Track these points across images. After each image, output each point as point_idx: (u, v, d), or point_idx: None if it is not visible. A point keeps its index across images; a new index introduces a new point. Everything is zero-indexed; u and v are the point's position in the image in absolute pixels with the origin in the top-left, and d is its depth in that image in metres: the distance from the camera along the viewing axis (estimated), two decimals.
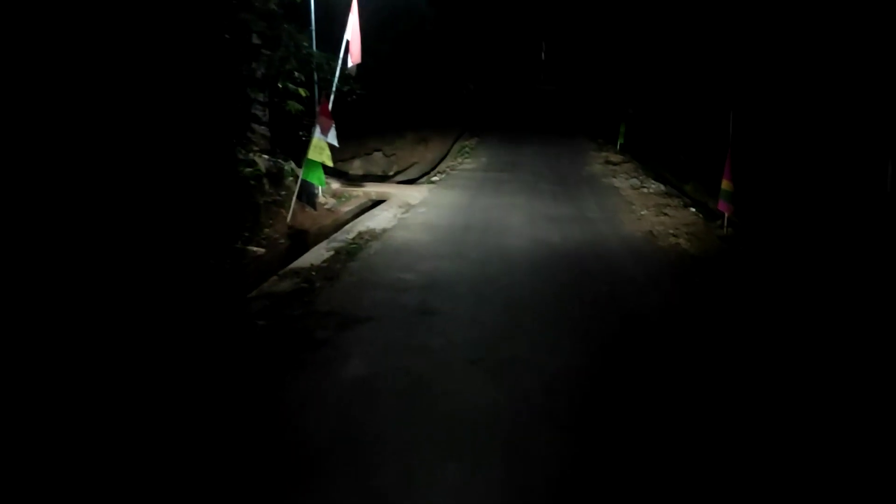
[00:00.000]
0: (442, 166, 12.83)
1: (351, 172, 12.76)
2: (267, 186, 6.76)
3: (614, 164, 13.02)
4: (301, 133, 6.99)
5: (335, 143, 7.06)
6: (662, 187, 10.54)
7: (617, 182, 10.92)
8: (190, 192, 4.14)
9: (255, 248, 5.74)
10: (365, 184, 9.93)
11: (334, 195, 8.94)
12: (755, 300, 5.17)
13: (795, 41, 11.44)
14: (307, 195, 6.79)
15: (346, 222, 7.57)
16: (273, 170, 6.93)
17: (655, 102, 15.10)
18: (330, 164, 7.07)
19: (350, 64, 8.30)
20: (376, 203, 8.87)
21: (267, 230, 6.29)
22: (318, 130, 6.83)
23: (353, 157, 13.54)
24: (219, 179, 4.46)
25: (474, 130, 17.32)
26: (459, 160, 13.35)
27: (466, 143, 15.52)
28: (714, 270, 6.12)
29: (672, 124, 13.78)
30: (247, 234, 5.68)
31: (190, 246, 4.21)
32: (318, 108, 6.80)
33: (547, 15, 30.31)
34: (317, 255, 5.86)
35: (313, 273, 5.22)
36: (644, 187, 10.42)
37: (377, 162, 13.51)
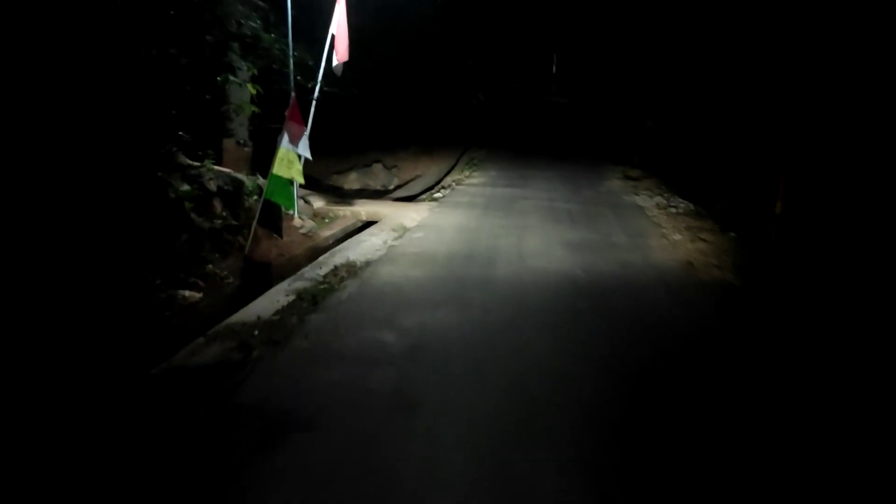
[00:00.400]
0: (447, 180, 11.53)
1: (346, 187, 11.49)
2: (219, 209, 5.45)
3: (634, 179, 11.65)
4: (240, 141, 5.70)
5: (307, 154, 5.76)
6: (692, 206, 9.15)
7: (640, 200, 9.54)
8: (68, 221, 2.86)
9: (186, 293, 4.42)
10: (357, 201, 8.63)
11: (316, 216, 7.63)
12: (842, 360, 3.76)
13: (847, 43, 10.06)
14: (272, 219, 5.52)
15: (324, 252, 6.25)
16: (228, 187, 5.64)
17: (676, 114, 13.72)
18: (301, 180, 5.78)
19: (336, 62, 7.05)
20: (366, 225, 7.55)
21: (211, 266, 4.97)
22: (285, 139, 5.54)
23: (350, 169, 12.28)
24: (128, 202, 3.23)
25: (483, 142, 16.07)
26: (466, 173, 12.06)
27: (475, 155, 14.26)
28: (778, 315, 4.72)
29: (696, 137, 12.39)
30: (176, 274, 4.36)
31: (68, 299, 2.91)
32: (287, 112, 5.52)
33: (558, 25, 29.16)
34: (271, 300, 4.53)
35: (256, 333, 3.88)
36: (672, 206, 9.02)
37: (376, 175, 12.23)
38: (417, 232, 6.96)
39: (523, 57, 29.67)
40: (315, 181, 10.88)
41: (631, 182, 11.05)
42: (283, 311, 4.33)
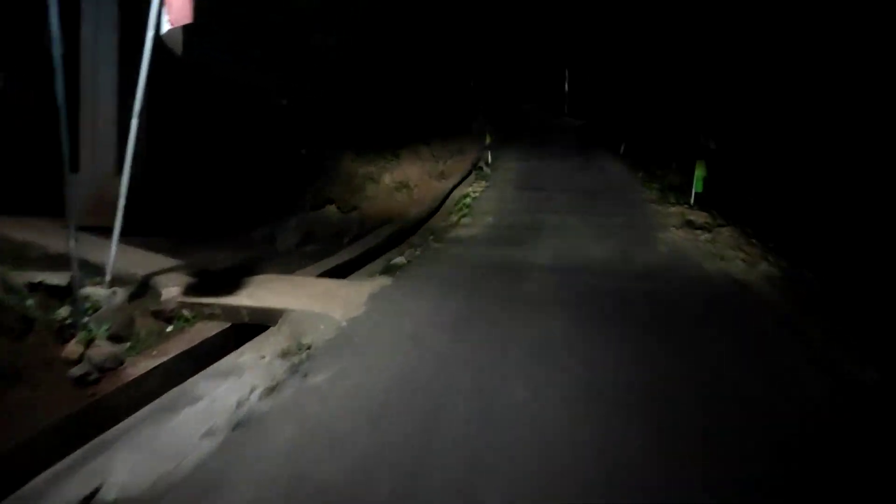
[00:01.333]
0: (424, 231, 8.06)
1: (279, 241, 7.99)
2: None
3: (700, 227, 8.04)
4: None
5: None
6: (830, 283, 5.51)
7: (734, 269, 5.91)
8: None
9: None
10: (260, 277, 5.10)
11: (157, 318, 4.09)
12: None
13: None
14: None
15: (86, 438, 2.70)
16: None
17: (753, 130, 10.19)
18: None
19: (167, 26, 3.65)
20: (243, 336, 4.02)
21: None
22: None
23: (294, 213, 8.82)
24: None
25: (481, 175, 12.70)
26: (454, 219, 8.60)
27: (468, 191, 10.81)
28: None
29: (794, 163, 8.86)
30: None
31: None
32: None
33: (570, 40, 26.11)
34: None
35: None
36: (799, 286, 5.37)
37: (327, 220, 8.79)
38: (323, 369, 3.36)
39: (532, 75, 26.63)
40: (222, 231, 7.46)
41: (700, 233, 7.46)
42: None
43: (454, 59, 21.42)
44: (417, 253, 6.38)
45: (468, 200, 10.01)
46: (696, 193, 9.68)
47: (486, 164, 14.00)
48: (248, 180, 8.29)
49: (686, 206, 9.55)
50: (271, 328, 4.06)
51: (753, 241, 7.07)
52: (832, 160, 8.91)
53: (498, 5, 26.45)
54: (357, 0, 9.68)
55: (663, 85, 16.95)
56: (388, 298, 4.62)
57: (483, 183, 11.86)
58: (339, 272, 5.71)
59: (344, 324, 4.00)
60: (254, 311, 4.18)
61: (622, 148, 16.64)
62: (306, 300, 4.39)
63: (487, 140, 15.08)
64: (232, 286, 4.57)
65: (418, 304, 4.51)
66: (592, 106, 23.53)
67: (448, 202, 10.19)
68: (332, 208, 9.03)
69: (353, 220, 8.91)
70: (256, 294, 4.46)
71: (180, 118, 7.09)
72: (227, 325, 4.13)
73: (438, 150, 14.80)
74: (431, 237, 7.24)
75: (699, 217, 8.64)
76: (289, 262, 6.65)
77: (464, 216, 8.72)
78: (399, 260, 6.02)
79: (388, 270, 5.55)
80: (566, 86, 25.63)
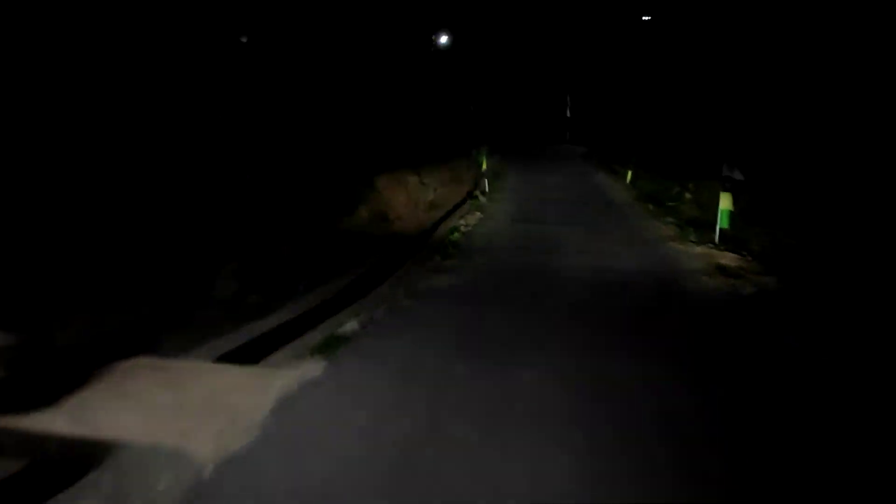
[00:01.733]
0: (396, 278, 6.49)
1: (217, 288, 6.41)
2: None
3: (735, 275, 6.45)
4: None
5: None
6: None
7: (794, 341, 4.30)
8: None
9: None
10: (118, 367, 3.50)
11: None
12: None
13: None
14: None
15: None
16: None
17: (785, 157, 8.72)
18: None
19: None
20: (48, 490, 2.41)
21: None
22: None
23: (243, 252, 7.28)
24: None
25: (475, 205, 11.29)
26: (437, 260, 7.06)
27: (459, 224, 9.35)
28: None
29: (842, 194, 7.36)
30: None
31: None
32: None
33: (571, 66, 25.07)
34: None
35: None
36: None
37: (282, 260, 7.24)
38: None
39: (533, 100, 25.51)
40: (150, 276, 5.88)
41: (738, 283, 5.85)
42: None
43: (453, 82, 20.22)
44: (379, 314, 4.78)
45: (457, 236, 8.50)
46: (720, 230, 8.16)
47: (483, 192, 12.67)
48: (190, 210, 6.84)
49: (711, 245, 8.01)
50: (91, 475, 2.44)
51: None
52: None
53: (499, 31, 25.49)
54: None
55: (672, 110, 15.59)
56: (305, 407, 3.01)
57: (477, 214, 10.46)
58: (261, 347, 4.11)
59: (206, 474, 2.38)
60: (67, 442, 2.55)
61: (629, 176, 15.29)
62: (166, 417, 2.77)
63: (484, 167, 13.77)
64: (59, 387, 2.95)
65: (353, 418, 2.90)
66: (595, 133, 22.29)
67: (434, 237, 8.69)
68: (288, 247, 7.47)
69: (314, 262, 7.35)
70: (89, 406, 2.83)
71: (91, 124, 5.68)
72: (21, 465, 2.51)
73: (430, 176, 13.45)
74: (402, 289, 5.65)
75: (731, 261, 7.09)
76: (212, 323, 5.06)
77: (449, 257, 7.17)
78: (349, 326, 4.42)
79: (327, 347, 3.95)
80: (568, 112, 24.42)
